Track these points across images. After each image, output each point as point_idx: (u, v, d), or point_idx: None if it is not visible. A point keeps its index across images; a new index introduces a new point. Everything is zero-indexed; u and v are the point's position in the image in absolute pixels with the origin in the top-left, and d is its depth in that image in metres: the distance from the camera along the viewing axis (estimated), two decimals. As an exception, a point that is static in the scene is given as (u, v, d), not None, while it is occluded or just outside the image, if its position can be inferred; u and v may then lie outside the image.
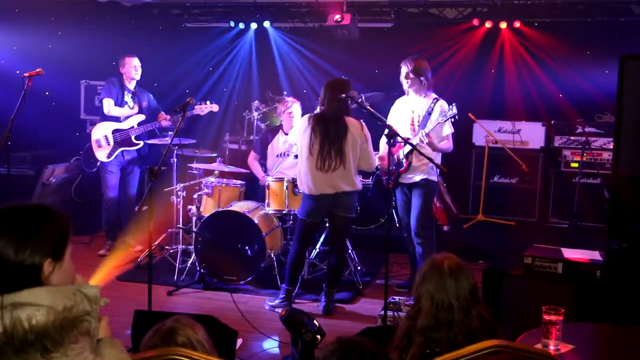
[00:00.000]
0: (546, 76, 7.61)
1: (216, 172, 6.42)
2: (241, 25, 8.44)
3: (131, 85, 6.85)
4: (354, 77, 7.17)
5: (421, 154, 4.99)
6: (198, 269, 5.92)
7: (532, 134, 7.43)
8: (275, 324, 4.82)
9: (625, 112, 4.29)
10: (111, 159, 6.76)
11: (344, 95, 5.07)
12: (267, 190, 6.00)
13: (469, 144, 7.53)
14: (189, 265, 6.16)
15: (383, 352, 2.01)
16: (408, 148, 5.35)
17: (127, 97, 6.83)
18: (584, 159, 7.04)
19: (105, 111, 6.76)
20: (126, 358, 1.93)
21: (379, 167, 5.66)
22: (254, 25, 8.39)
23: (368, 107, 5.11)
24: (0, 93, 7.09)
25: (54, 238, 1.84)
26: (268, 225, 6.04)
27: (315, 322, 3.96)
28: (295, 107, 6.31)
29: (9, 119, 5.50)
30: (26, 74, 5.70)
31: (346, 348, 1.93)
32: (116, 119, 6.77)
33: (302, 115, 6.03)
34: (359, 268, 6.18)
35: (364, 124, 5.29)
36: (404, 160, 5.46)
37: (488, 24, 7.63)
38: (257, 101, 7.48)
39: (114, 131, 6.76)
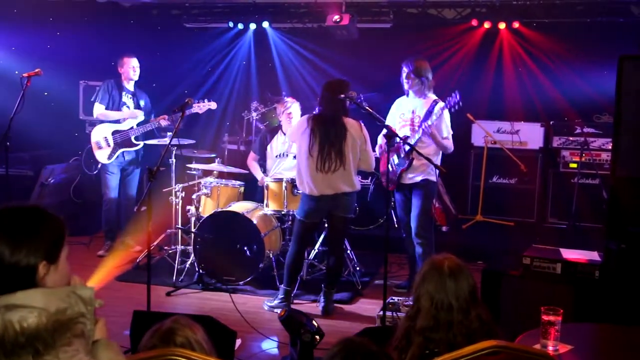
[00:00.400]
0: (545, 77, 7.61)
1: (215, 172, 6.42)
2: (240, 26, 8.44)
3: (130, 86, 6.85)
4: (352, 77, 7.16)
5: (420, 154, 4.99)
6: (197, 269, 5.92)
7: (531, 135, 7.43)
8: (274, 324, 4.81)
9: (624, 113, 4.29)
10: (112, 160, 6.76)
11: (342, 95, 5.07)
12: (266, 191, 6.00)
13: (468, 144, 7.53)
14: (187, 265, 6.16)
15: (386, 354, 2.01)
16: (407, 148, 5.36)
17: (126, 98, 6.82)
18: (583, 159, 7.04)
19: (94, 115, 6.78)
20: None
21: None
22: (253, 26, 8.39)
23: (367, 108, 5.11)
24: (-1, 93, 7.09)
25: (50, 240, 1.84)
26: (267, 225, 6.03)
27: (314, 322, 3.97)
28: (295, 108, 6.30)
29: (8, 119, 5.50)
30: (25, 75, 5.71)
31: (350, 350, 1.92)
32: (115, 120, 6.77)
33: (302, 115, 6.03)
34: (357, 268, 6.19)
35: (362, 124, 5.29)
36: (405, 159, 5.46)
37: (487, 25, 7.63)
38: (256, 101, 7.48)
39: (114, 132, 6.76)
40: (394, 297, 5.10)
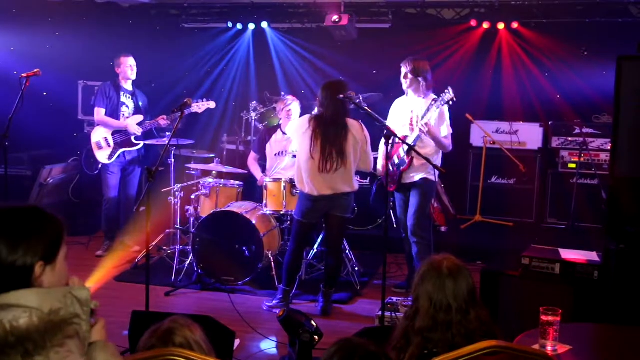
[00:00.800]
0: (544, 77, 7.62)
1: (214, 172, 6.42)
2: (239, 26, 8.44)
3: (128, 85, 6.84)
4: (351, 77, 7.18)
5: (419, 154, 4.99)
6: (196, 269, 5.91)
7: (530, 135, 7.43)
8: (273, 324, 4.81)
9: (622, 113, 4.28)
10: (112, 160, 6.76)
11: (342, 96, 5.07)
12: (264, 191, 6.00)
13: (467, 144, 7.54)
14: (186, 265, 6.15)
15: (385, 354, 2.00)
16: (406, 148, 5.36)
17: (125, 98, 6.81)
18: (582, 159, 7.05)
19: (96, 119, 6.77)
20: None
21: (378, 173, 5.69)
22: (251, 26, 8.39)
23: (366, 108, 5.11)
24: (-2, 93, 7.08)
25: (47, 240, 1.83)
26: (266, 225, 6.03)
27: (312, 322, 3.97)
28: (294, 106, 6.30)
29: (7, 119, 5.49)
30: (24, 75, 5.70)
31: (348, 350, 1.92)
32: (116, 119, 6.76)
33: (301, 114, 6.04)
34: (356, 269, 6.19)
35: (363, 125, 5.30)
36: (406, 158, 5.46)
37: (486, 25, 7.64)
38: (255, 102, 7.47)
39: (114, 132, 6.75)
40: (392, 297, 5.10)
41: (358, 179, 5.53)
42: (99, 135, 6.76)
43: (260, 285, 5.89)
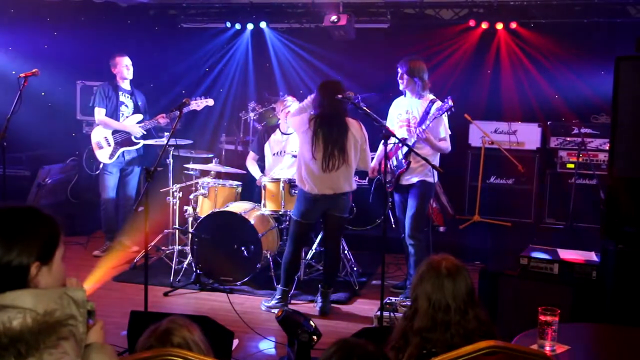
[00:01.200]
0: (542, 77, 7.62)
1: (212, 172, 6.41)
2: (237, 26, 8.43)
3: (125, 85, 6.83)
4: (350, 77, 7.18)
5: (418, 155, 4.99)
6: (194, 269, 5.91)
7: (528, 135, 7.44)
8: (271, 324, 4.81)
9: (621, 113, 4.29)
10: (113, 159, 6.75)
11: (340, 96, 5.07)
12: (263, 191, 6.00)
13: (465, 144, 7.54)
14: (185, 266, 6.14)
15: (384, 354, 2.00)
16: (405, 149, 5.37)
17: (124, 97, 6.80)
18: (580, 159, 7.05)
19: (96, 120, 6.75)
20: None
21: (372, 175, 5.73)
22: (250, 26, 8.38)
23: (364, 108, 5.10)
24: (-3, 94, 7.07)
25: (43, 240, 1.82)
26: (264, 226, 6.03)
27: (311, 322, 3.97)
28: (294, 106, 6.29)
29: (5, 119, 5.48)
30: (22, 75, 5.69)
31: (346, 350, 1.92)
32: (115, 119, 6.76)
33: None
34: (355, 269, 6.19)
35: (361, 124, 5.31)
36: (403, 161, 5.47)
37: (484, 25, 7.64)
38: (253, 102, 7.47)
39: (114, 132, 6.75)
40: (391, 298, 5.10)
41: (356, 179, 5.53)
42: (99, 135, 6.75)
43: (258, 286, 5.89)
